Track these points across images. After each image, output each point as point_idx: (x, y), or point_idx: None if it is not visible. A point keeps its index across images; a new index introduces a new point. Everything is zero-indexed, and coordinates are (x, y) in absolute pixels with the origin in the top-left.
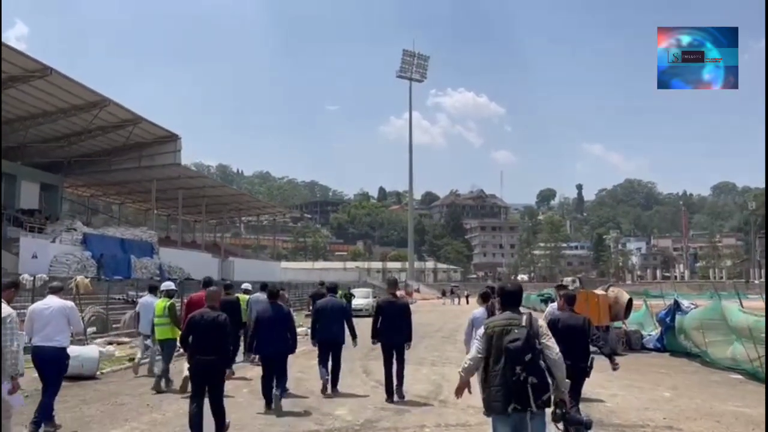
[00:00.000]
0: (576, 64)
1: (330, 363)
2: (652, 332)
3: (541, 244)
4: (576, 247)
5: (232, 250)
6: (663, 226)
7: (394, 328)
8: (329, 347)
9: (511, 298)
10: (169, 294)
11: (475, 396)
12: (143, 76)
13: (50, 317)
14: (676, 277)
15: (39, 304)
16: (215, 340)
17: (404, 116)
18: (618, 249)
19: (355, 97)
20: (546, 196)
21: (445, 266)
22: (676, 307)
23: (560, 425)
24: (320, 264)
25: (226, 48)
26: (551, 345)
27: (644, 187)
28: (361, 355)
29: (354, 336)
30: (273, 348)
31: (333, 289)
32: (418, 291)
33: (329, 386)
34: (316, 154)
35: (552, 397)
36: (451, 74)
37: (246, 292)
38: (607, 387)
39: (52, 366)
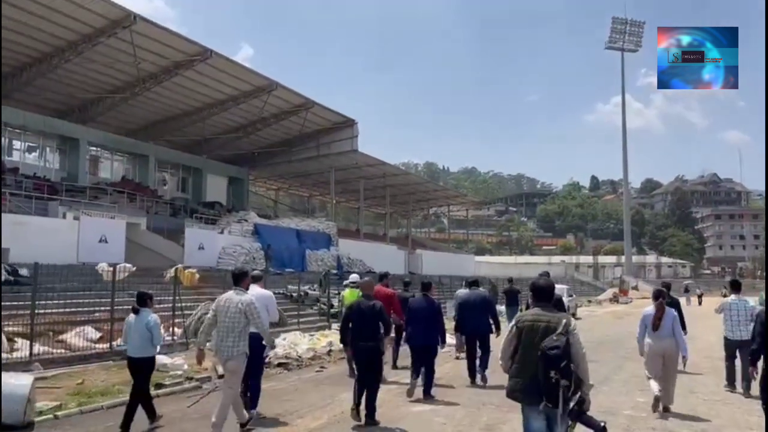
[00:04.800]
0: None
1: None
2: None
3: None
4: None
5: (424, 243)
6: None
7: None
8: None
9: (541, 294)
10: (357, 285)
11: None
12: (353, 85)
13: None
14: None
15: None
16: (372, 326)
17: (612, 101)
18: None
19: (555, 86)
20: None
21: (670, 260)
22: None
23: (570, 422)
24: (522, 258)
25: (425, 50)
26: (579, 347)
27: None
28: None
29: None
30: (421, 341)
31: (475, 283)
32: (636, 288)
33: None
34: (521, 146)
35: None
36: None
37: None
38: None
39: (253, 351)
